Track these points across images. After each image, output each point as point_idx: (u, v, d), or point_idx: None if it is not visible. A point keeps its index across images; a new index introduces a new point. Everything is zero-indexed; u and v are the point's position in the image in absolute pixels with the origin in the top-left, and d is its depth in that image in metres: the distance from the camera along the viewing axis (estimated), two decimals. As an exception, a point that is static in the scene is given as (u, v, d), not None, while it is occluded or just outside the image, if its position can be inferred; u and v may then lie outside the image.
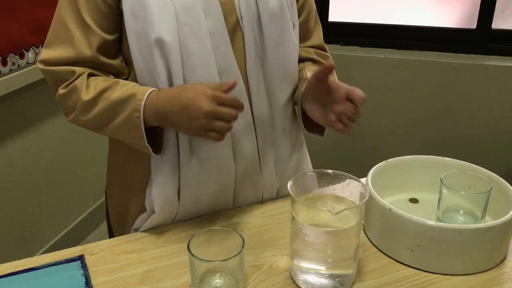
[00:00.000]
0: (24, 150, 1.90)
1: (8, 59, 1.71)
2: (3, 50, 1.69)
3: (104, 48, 0.90)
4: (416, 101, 2.07)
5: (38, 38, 1.82)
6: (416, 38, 2.09)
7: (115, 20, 0.90)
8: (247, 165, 0.97)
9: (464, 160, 0.99)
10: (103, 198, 2.49)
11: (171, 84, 0.87)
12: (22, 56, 1.76)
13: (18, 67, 1.75)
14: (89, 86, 0.88)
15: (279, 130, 0.99)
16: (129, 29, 0.87)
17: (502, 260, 0.85)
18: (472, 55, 2.00)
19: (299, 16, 1.02)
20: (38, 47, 1.82)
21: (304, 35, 1.06)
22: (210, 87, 0.82)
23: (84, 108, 0.89)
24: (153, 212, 0.95)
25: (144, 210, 0.97)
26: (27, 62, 1.79)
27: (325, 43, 2.24)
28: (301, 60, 1.05)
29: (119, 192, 1.04)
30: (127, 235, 0.94)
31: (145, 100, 0.85)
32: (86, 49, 0.88)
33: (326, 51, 1.11)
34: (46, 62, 0.90)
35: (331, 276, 0.78)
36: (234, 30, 0.91)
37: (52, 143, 2.04)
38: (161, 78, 0.87)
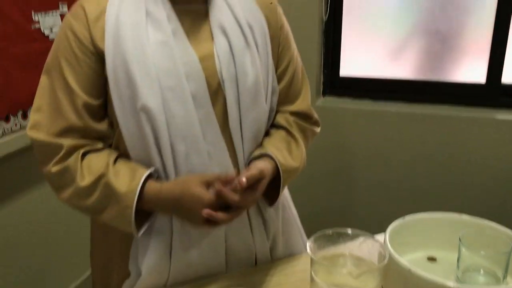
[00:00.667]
0: (32, 203, 1.90)
1: (29, 112, 1.75)
2: (25, 104, 1.74)
3: (89, 112, 0.91)
4: (429, 155, 2.07)
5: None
6: (426, 92, 2.12)
7: (100, 85, 0.92)
8: (237, 228, 0.98)
9: (478, 214, 0.99)
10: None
11: (158, 147, 0.89)
12: (41, 109, 1.80)
13: (38, 120, 1.78)
14: (83, 170, 0.89)
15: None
16: (114, 95, 0.89)
17: (526, 323, 0.84)
18: (483, 108, 2.01)
19: (280, 81, 1.04)
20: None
21: (287, 99, 1.07)
22: (204, 197, 0.85)
23: (80, 194, 0.89)
24: (139, 275, 0.94)
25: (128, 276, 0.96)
26: (46, 116, 1.82)
27: (336, 96, 2.26)
28: (277, 126, 1.05)
29: (103, 261, 1.04)
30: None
31: (136, 202, 0.87)
32: (73, 117, 0.90)
33: (312, 117, 1.11)
34: (35, 129, 0.91)
35: None
36: (216, 92, 0.93)
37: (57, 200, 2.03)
38: (149, 142, 0.89)
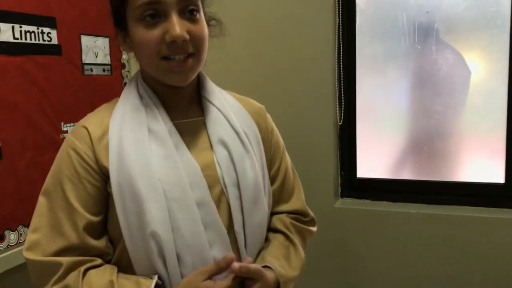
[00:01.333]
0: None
1: None
2: None
3: (90, 231, 0.91)
4: (451, 256, 2.02)
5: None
6: (445, 193, 2.12)
7: (102, 202, 0.93)
8: None
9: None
10: None
11: (163, 259, 0.89)
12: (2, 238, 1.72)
13: None
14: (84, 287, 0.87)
15: None
16: (120, 211, 0.89)
17: None
18: (505, 209, 1.99)
19: (274, 181, 1.08)
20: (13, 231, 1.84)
21: (281, 199, 1.10)
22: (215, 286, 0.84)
23: None
24: None
25: None
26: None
27: (355, 198, 2.26)
28: (275, 230, 1.07)
29: None
30: None
31: None
32: (72, 235, 0.89)
33: (307, 215, 1.13)
34: (31, 249, 0.90)
35: None
36: (219, 199, 0.96)
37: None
38: (154, 255, 0.89)
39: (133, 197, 0.88)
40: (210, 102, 1.03)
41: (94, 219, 0.92)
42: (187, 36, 0.93)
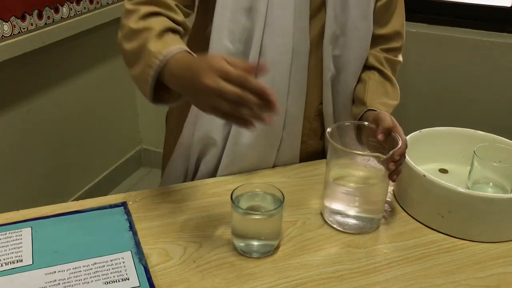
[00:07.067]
0: (60, 101, 1.96)
1: (44, 13, 1.73)
2: (39, 4, 1.71)
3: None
4: (444, 77, 2.06)
5: (73, -6, 1.84)
6: (447, 14, 2.07)
7: None
8: (296, 136, 1.01)
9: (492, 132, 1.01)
10: (136, 149, 2.52)
11: (247, 46, 0.90)
12: (57, 10, 1.79)
13: (53, 21, 1.78)
14: (140, 16, 0.84)
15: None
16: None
17: (529, 231, 0.88)
18: (505, 34, 1.97)
19: None
20: (72, 3, 1.84)
21: (381, 19, 1.02)
22: (225, 59, 0.70)
23: (126, 34, 0.85)
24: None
25: None
26: (61, 17, 1.81)
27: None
28: (368, 67, 1.03)
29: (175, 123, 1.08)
30: (167, 186, 0.97)
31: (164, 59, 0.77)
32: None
33: (401, 38, 1.05)
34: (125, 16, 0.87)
35: (359, 218, 0.86)
36: (319, 7, 0.93)
37: (87, 94, 2.10)
38: (241, 38, 0.90)
39: None
40: None
41: None
42: None
